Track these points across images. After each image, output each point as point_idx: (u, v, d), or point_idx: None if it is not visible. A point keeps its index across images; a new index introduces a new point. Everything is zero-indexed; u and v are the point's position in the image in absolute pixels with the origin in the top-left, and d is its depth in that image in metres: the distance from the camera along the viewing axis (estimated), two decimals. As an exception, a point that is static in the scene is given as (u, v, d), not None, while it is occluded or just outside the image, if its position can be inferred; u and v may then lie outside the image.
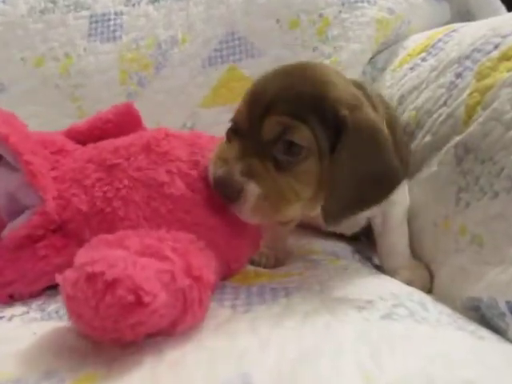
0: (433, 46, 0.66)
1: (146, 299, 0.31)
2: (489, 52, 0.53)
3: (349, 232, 0.71)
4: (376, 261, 0.64)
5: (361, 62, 0.82)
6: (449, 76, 0.58)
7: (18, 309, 0.44)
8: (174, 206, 0.45)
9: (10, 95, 0.85)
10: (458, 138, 0.53)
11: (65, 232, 0.47)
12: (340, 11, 0.81)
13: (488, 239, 0.45)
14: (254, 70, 0.78)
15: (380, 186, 0.45)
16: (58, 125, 0.65)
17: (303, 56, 0.79)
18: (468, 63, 0.55)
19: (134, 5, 0.88)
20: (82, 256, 0.35)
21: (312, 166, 0.45)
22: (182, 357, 0.33)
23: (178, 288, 0.35)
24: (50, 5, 0.88)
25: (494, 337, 0.40)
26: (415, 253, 0.59)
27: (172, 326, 0.36)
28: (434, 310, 0.42)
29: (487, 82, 0.50)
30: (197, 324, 0.38)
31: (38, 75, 0.86)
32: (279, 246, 0.62)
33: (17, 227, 0.46)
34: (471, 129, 0.51)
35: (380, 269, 0.60)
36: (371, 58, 0.84)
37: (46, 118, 0.84)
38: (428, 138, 0.58)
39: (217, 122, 0.79)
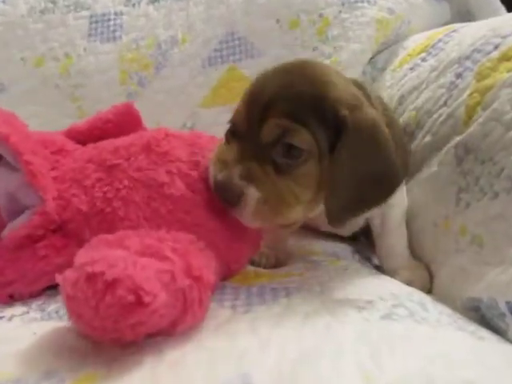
0: (433, 47, 0.66)
1: (146, 299, 0.31)
2: (489, 52, 0.53)
3: (346, 233, 0.71)
4: (376, 261, 0.64)
5: (361, 62, 0.82)
6: (449, 76, 0.58)
7: (18, 309, 0.45)
8: (174, 206, 0.45)
9: (10, 95, 0.85)
10: (458, 139, 0.53)
11: (65, 232, 0.47)
12: (340, 11, 0.81)
13: (488, 239, 0.45)
14: (254, 70, 0.77)
15: (380, 185, 0.45)
16: (58, 125, 0.65)
17: (303, 56, 0.79)
18: (468, 63, 0.55)
19: (133, 5, 0.88)
20: (82, 256, 0.35)
21: (312, 168, 0.44)
22: (182, 357, 0.34)
23: (178, 288, 0.35)
24: (50, 5, 0.89)
25: (494, 337, 0.40)
26: (415, 253, 0.59)
27: (172, 326, 0.36)
28: (434, 310, 0.42)
29: (487, 82, 0.50)
30: (197, 324, 0.38)
31: (37, 75, 0.86)
32: (279, 246, 0.62)
33: (17, 227, 0.46)
34: (471, 129, 0.51)
35: (380, 269, 0.60)
36: (371, 58, 0.84)
37: (46, 118, 0.84)
38: (428, 139, 0.58)
39: (217, 122, 0.79)
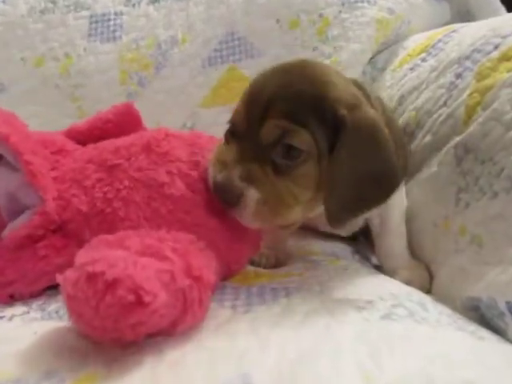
0: (433, 47, 0.67)
1: (147, 299, 0.31)
2: (489, 52, 0.53)
3: (345, 233, 0.71)
4: (375, 261, 0.64)
5: (361, 62, 0.82)
6: (449, 76, 0.58)
7: (19, 309, 0.45)
8: (174, 206, 0.45)
9: (10, 95, 0.85)
10: (457, 139, 0.53)
11: (65, 232, 0.47)
12: (340, 11, 0.81)
13: (487, 239, 0.45)
14: (254, 70, 0.77)
15: (380, 185, 0.44)
16: (58, 125, 0.65)
17: (303, 56, 0.78)
18: (468, 63, 0.55)
19: (134, 5, 0.88)
20: (82, 256, 0.35)
21: (311, 168, 0.44)
22: (182, 357, 0.34)
23: (178, 288, 0.35)
24: (50, 5, 0.89)
25: (494, 337, 0.40)
26: (415, 253, 0.59)
27: (172, 326, 0.36)
28: (434, 310, 0.42)
29: (487, 82, 0.50)
30: (197, 324, 0.38)
31: (38, 75, 0.86)
32: (279, 246, 0.62)
33: (17, 227, 0.46)
34: (471, 129, 0.51)
35: (379, 269, 0.60)
36: (371, 58, 0.84)
37: (46, 118, 0.84)
38: (428, 139, 0.58)
39: (217, 122, 0.79)
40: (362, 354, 0.33)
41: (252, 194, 0.43)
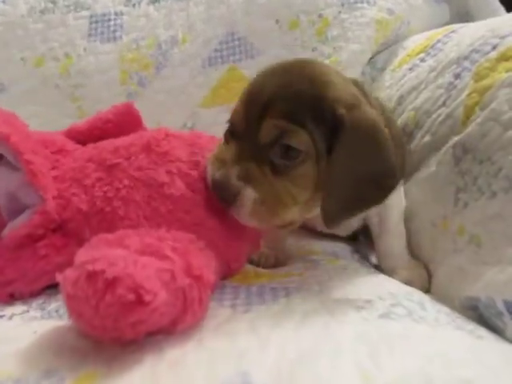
0: (432, 47, 0.67)
1: (147, 298, 0.31)
2: (487, 53, 0.53)
3: (343, 233, 0.71)
4: (374, 260, 0.64)
5: (360, 62, 0.82)
6: (447, 77, 0.58)
7: (19, 308, 0.45)
8: (173, 205, 0.46)
9: (10, 95, 0.86)
10: (456, 139, 0.53)
11: (65, 231, 0.47)
12: (339, 12, 0.81)
13: (486, 239, 0.45)
14: (254, 70, 0.77)
15: (378, 185, 0.44)
16: (58, 125, 0.65)
17: (303, 56, 0.79)
18: (466, 64, 0.55)
19: (134, 5, 0.88)
20: (82, 255, 0.35)
21: (309, 169, 0.44)
22: (182, 356, 0.34)
23: (178, 287, 0.35)
24: (50, 5, 0.89)
25: (492, 336, 0.40)
26: (413, 253, 0.59)
27: (172, 325, 0.36)
28: (433, 309, 0.42)
29: (485, 82, 0.50)
30: (197, 323, 0.38)
31: (38, 75, 0.86)
32: (279, 246, 0.62)
33: (17, 226, 0.46)
34: (469, 129, 0.51)
35: (379, 268, 0.60)
36: (371, 59, 0.84)
37: (46, 117, 0.84)
38: (427, 139, 0.58)
39: (217, 122, 0.79)
40: (361, 353, 0.33)
41: (249, 194, 0.43)
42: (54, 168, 0.50)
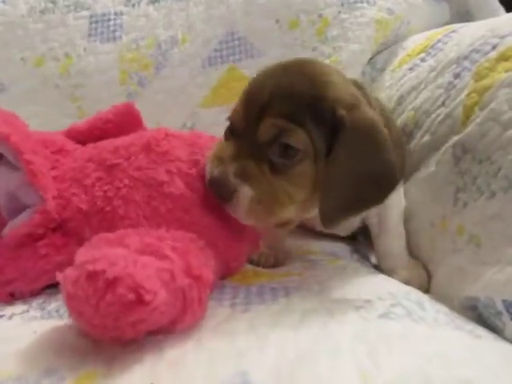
0: (432, 47, 0.67)
1: (147, 297, 0.31)
2: (487, 52, 0.53)
3: (343, 233, 0.71)
4: (374, 260, 0.65)
5: (360, 62, 0.82)
6: (447, 76, 0.58)
7: (19, 307, 0.45)
8: (173, 205, 0.46)
9: (10, 95, 0.86)
10: (455, 138, 0.53)
11: (65, 231, 0.48)
12: (339, 11, 0.81)
13: (485, 239, 0.46)
14: (254, 70, 0.77)
15: (377, 186, 0.44)
16: (58, 125, 0.65)
17: (303, 56, 0.79)
18: (466, 64, 0.55)
19: (133, 5, 0.88)
20: (82, 254, 0.35)
21: (307, 168, 0.44)
22: (182, 355, 0.34)
23: (177, 287, 0.35)
24: (50, 5, 0.89)
25: (491, 336, 0.40)
26: (413, 253, 0.59)
27: (172, 325, 0.36)
28: (432, 309, 0.42)
29: (485, 82, 0.50)
30: (196, 323, 0.38)
31: (38, 75, 0.86)
32: (278, 246, 0.62)
33: (17, 226, 0.46)
34: (469, 129, 0.51)
35: (378, 268, 0.61)
36: (370, 59, 0.84)
37: (46, 117, 0.84)
38: (426, 138, 0.59)
39: (217, 122, 0.79)
40: (360, 353, 0.33)
41: (245, 191, 0.43)
42: (54, 168, 0.50)
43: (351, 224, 0.67)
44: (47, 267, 0.46)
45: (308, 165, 0.44)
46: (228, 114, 0.49)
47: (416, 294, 0.47)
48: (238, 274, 0.53)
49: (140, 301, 0.31)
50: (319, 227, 0.69)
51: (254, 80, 0.48)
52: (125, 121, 0.57)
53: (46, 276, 0.46)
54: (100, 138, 0.55)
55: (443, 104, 0.57)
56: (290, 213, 0.46)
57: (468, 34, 0.60)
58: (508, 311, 0.41)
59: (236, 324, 0.38)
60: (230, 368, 0.32)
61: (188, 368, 0.32)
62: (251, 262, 0.59)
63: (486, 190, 0.47)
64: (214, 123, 0.81)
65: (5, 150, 0.47)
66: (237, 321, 0.39)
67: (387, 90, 0.73)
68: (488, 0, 0.87)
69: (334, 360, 0.32)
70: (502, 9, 0.88)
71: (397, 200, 0.58)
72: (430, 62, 0.64)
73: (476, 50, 0.55)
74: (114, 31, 0.87)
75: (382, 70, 0.80)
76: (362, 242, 0.72)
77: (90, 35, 0.87)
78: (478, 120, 0.49)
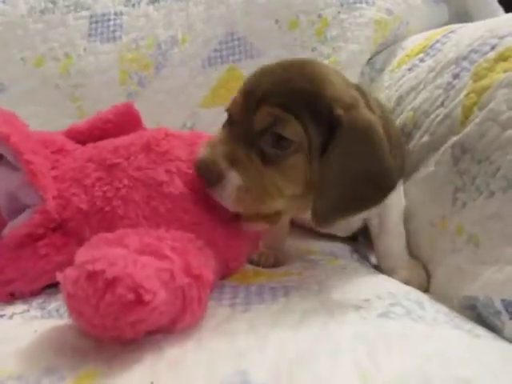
0: (431, 47, 0.67)
1: (146, 297, 0.31)
2: (485, 53, 0.53)
3: (343, 234, 0.71)
4: (374, 260, 0.65)
5: (359, 62, 0.82)
6: (446, 77, 0.58)
7: (19, 307, 0.45)
8: (173, 205, 0.46)
9: (9, 95, 0.86)
10: (454, 139, 0.53)
11: (65, 231, 0.48)
12: (339, 12, 0.81)
13: (484, 239, 0.46)
14: (254, 70, 0.79)
15: (373, 187, 0.44)
16: (58, 125, 0.65)
17: (302, 56, 0.79)
18: (465, 64, 0.55)
19: (133, 5, 0.88)
20: (82, 254, 0.35)
21: (299, 162, 0.44)
22: (182, 355, 0.34)
23: (177, 286, 0.35)
24: (50, 5, 0.89)
25: (490, 335, 0.40)
26: (412, 253, 0.60)
27: (171, 324, 0.36)
28: (431, 308, 0.42)
29: (484, 82, 0.51)
30: (196, 322, 0.38)
31: (38, 75, 0.86)
32: (278, 246, 0.62)
33: (17, 226, 0.46)
34: (468, 129, 0.51)
35: (378, 268, 0.61)
36: (370, 59, 0.84)
37: (46, 118, 0.84)
38: (425, 139, 0.59)
39: (216, 122, 0.78)
40: (359, 352, 0.33)
41: (233, 176, 0.43)
42: (53, 168, 0.50)
43: (352, 225, 0.67)
44: (47, 267, 0.46)
45: (300, 159, 0.44)
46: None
47: (415, 294, 0.47)
48: (238, 273, 0.53)
49: (139, 301, 0.31)
50: (315, 227, 0.70)
51: (253, 74, 0.48)
52: (124, 121, 0.58)
53: (46, 276, 0.46)
54: (100, 137, 0.55)
55: (442, 104, 0.57)
56: (279, 205, 0.46)
57: (467, 34, 0.60)
58: (507, 310, 0.41)
59: (236, 324, 0.38)
60: (229, 368, 0.32)
61: (188, 368, 0.32)
62: (251, 261, 0.59)
63: (485, 190, 0.47)
64: (214, 123, 0.80)
65: (5, 151, 0.47)
66: (237, 321, 0.39)
67: (386, 90, 0.73)
68: (487, 0, 0.87)
69: (334, 359, 0.32)
70: (500, 9, 0.88)
71: (397, 200, 0.58)
72: (429, 62, 0.64)
73: (475, 51, 0.55)
74: (114, 31, 0.87)
75: (381, 70, 0.80)
76: (361, 242, 0.73)
77: (90, 35, 0.87)
78: (477, 120, 0.50)
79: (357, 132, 0.43)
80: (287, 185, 0.45)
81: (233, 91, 0.80)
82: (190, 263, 0.37)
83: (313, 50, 0.81)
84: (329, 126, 0.43)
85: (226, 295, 0.45)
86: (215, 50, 0.84)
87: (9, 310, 0.44)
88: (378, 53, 0.85)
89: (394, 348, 0.34)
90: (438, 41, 0.66)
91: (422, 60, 0.67)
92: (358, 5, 0.81)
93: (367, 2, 0.81)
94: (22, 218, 0.47)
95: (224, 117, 0.50)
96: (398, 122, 0.65)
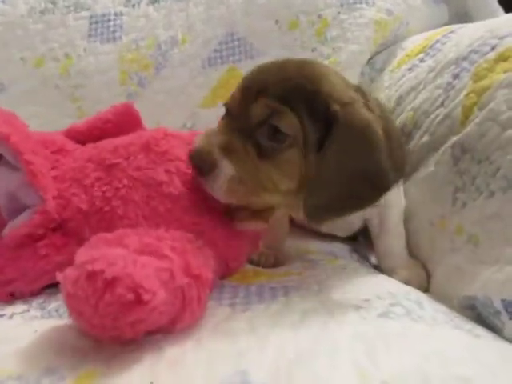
0: (431, 47, 0.67)
1: (146, 297, 0.31)
2: (485, 53, 0.53)
3: (343, 234, 0.71)
4: (374, 260, 0.65)
5: (359, 62, 0.82)
6: (446, 77, 0.58)
7: (19, 307, 0.45)
8: (172, 205, 0.46)
9: (9, 95, 0.86)
10: (454, 139, 0.53)
11: (65, 231, 0.48)
12: (339, 12, 0.81)
13: (484, 239, 0.46)
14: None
15: (368, 187, 0.44)
16: (57, 125, 0.65)
17: (302, 57, 0.79)
18: (465, 64, 0.56)
19: (133, 5, 0.88)
20: (82, 254, 0.36)
21: (295, 156, 0.44)
22: (182, 355, 0.34)
23: (176, 286, 0.35)
24: (50, 5, 0.89)
25: (490, 335, 0.40)
26: (412, 252, 0.60)
27: (171, 324, 0.36)
28: (431, 308, 0.42)
29: (484, 83, 0.51)
30: (196, 322, 0.38)
31: (38, 75, 0.86)
32: (278, 246, 0.62)
33: (17, 226, 0.47)
34: (468, 129, 0.51)
35: (378, 268, 0.61)
36: (370, 59, 0.84)
37: (46, 118, 0.84)
38: (425, 139, 0.59)
39: (216, 123, 0.79)
40: (358, 352, 0.33)
41: (225, 165, 0.43)
42: (53, 168, 0.50)
43: (352, 225, 0.67)
44: (47, 267, 0.46)
45: (296, 153, 0.44)
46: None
47: (415, 294, 0.47)
48: (238, 273, 0.53)
49: (139, 300, 0.31)
50: (324, 228, 0.70)
51: (251, 71, 0.48)
52: (124, 121, 0.58)
53: (46, 276, 0.47)
54: (99, 137, 0.55)
55: (442, 104, 0.57)
56: (272, 200, 0.46)
57: (467, 34, 0.60)
58: (507, 310, 0.41)
59: (235, 324, 0.38)
60: (229, 367, 0.32)
61: (187, 367, 0.32)
62: (251, 261, 0.59)
63: (485, 190, 0.47)
64: (214, 123, 0.80)
65: (4, 151, 0.47)
66: (236, 320, 0.39)
67: (386, 90, 0.73)
68: (487, 1, 0.87)
69: (333, 359, 0.32)
70: (500, 9, 0.88)
71: (397, 200, 0.58)
72: (429, 62, 0.65)
73: (475, 51, 0.55)
74: (114, 32, 0.87)
75: (381, 70, 0.80)
76: (361, 242, 0.73)
77: (89, 36, 0.87)
78: (477, 120, 0.50)
79: (353, 129, 0.43)
80: (282, 179, 0.44)
81: (233, 91, 0.81)
82: (190, 263, 0.37)
83: (313, 51, 0.81)
84: (325, 122, 0.43)
85: (226, 295, 0.45)
86: (215, 51, 0.84)
87: (9, 309, 0.44)
88: (378, 53, 0.85)
89: (393, 347, 0.34)
90: (437, 41, 0.66)
91: (421, 60, 0.67)
92: (358, 5, 0.81)
93: (367, 3, 0.81)
94: (22, 218, 0.47)
95: (224, 116, 0.50)
96: (398, 122, 0.65)
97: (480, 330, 0.40)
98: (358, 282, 0.49)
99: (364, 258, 0.66)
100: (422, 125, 0.60)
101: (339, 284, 0.48)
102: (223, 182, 0.43)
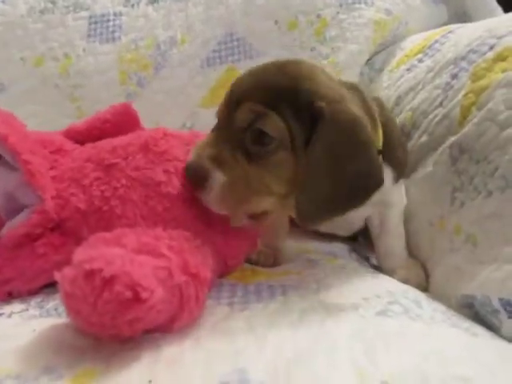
0: (429, 47, 0.67)
1: (144, 295, 0.31)
2: (484, 53, 0.53)
3: (344, 234, 0.71)
4: (373, 260, 0.65)
5: (358, 62, 0.82)
6: (445, 77, 0.58)
7: (17, 306, 0.45)
8: (170, 204, 0.46)
9: (9, 95, 0.86)
10: (453, 139, 0.53)
11: (63, 230, 0.48)
12: (338, 12, 0.81)
13: (482, 238, 0.46)
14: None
15: (357, 186, 0.43)
16: (57, 125, 0.65)
17: (301, 57, 0.79)
18: (464, 64, 0.56)
19: (133, 5, 0.88)
20: (80, 254, 0.35)
21: (283, 158, 0.43)
22: (180, 354, 0.34)
23: (174, 284, 0.35)
24: (50, 5, 0.89)
25: (488, 334, 0.40)
26: (412, 252, 0.60)
27: (169, 323, 0.36)
28: (429, 307, 0.43)
29: (482, 82, 0.51)
30: (194, 321, 0.38)
31: (37, 75, 0.86)
32: (277, 245, 0.62)
33: (15, 226, 0.47)
34: (466, 129, 0.51)
35: (377, 268, 0.61)
36: (369, 59, 0.84)
37: (45, 117, 0.85)
38: (424, 139, 0.59)
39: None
40: (357, 351, 0.33)
41: (218, 177, 0.43)
42: (52, 168, 0.50)
43: (352, 225, 0.67)
44: (45, 267, 0.46)
45: (284, 155, 0.43)
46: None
47: (413, 293, 0.47)
48: (236, 272, 0.53)
49: (137, 299, 0.31)
50: (323, 228, 0.70)
51: (238, 76, 0.48)
52: (123, 121, 0.58)
53: (44, 275, 0.46)
54: (98, 137, 0.55)
55: (441, 104, 0.57)
56: (267, 204, 0.46)
57: (465, 34, 0.61)
58: (505, 309, 0.41)
59: (234, 323, 0.38)
60: (227, 366, 0.32)
61: (186, 366, 0.32)
62: (250, 261, 0.59)
63: (483, 190, 0.47)
64: (213, 123, 0.81)
65: (3, 151, 0.47)
66: (235, 319, 0.39)
67: (385, 90, 0.73)
68: (485, 0, 0.87)
69: (332, 358, 0.32)
70: (499, 9, 0.88)
71: (398, 199, 0.58)
72: (428, 62, 0.65)
73: (473, 51, 0.55)
74: (113, 32, 0.87)
75: (380, 70, 0.80)
76: (361, 242, 0.73)
77: (89, 36, 0.87)
78: (475, 120, 0.50)
79: (340, 125, 0.42)
80: (274, 181, 0.44)
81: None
82: (188, 261, 0.37)
83: (312, 50, 0.81)
84: (311, 120, 0.42)
85: (225, 294, 0.45)
86: (214, 51, 0.84)
87: (7, 308, 0.44)
88: (377, 53, 0.85)
89: (392, 346, 0.34)
90: (436, 41, 0.66)
91: (420, 60, 0.67)
92: (357, 5, 0.81)
93: (366, 3, 0.82)
94: (20, 218, 0.47)
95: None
96: (397, 122, 0.65)
97: (478, 329, 0.41)
98: (356, 282, 0.49)
99: (364, 259, 0.66)
100: (420, 125, 0.60)
101: (338, 283, 0.48)
102: (216, 192, 0.43)
